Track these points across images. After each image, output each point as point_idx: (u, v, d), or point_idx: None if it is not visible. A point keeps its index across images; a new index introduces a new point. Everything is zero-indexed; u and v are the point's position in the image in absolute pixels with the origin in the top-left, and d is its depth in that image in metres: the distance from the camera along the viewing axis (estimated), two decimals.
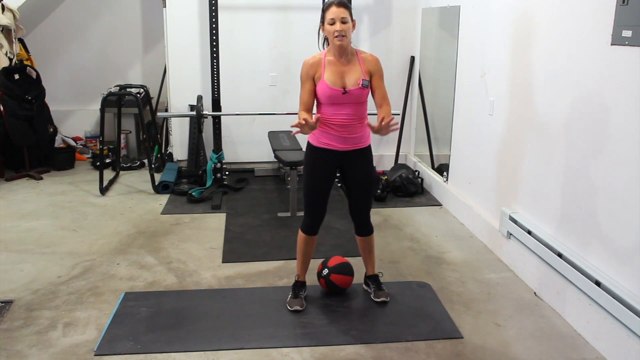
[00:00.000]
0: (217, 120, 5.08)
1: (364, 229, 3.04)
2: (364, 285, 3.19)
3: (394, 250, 3.77)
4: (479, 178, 4.04)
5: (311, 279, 3.19)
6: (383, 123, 2.58)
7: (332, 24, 2.67)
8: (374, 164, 5.80)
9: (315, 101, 2.83)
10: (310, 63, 2.78)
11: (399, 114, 5.45)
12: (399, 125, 2.59)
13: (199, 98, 4.94)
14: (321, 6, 4.74)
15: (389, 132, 2.64)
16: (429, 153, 5.27)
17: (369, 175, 2.93)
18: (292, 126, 2.61)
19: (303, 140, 2.80)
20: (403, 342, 2.69)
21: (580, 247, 2.82)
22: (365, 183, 2.93)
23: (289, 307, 2.97)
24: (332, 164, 2.86)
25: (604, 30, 2.55)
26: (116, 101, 5.40)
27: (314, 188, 2.89)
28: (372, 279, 3.12)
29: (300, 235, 3.00)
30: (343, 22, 2.65)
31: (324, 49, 2.86)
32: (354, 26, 2.74)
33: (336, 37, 2.67)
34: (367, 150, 2.90)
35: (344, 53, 2.75)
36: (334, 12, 2.66)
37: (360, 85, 2.72)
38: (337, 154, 2.83)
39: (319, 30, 2.82)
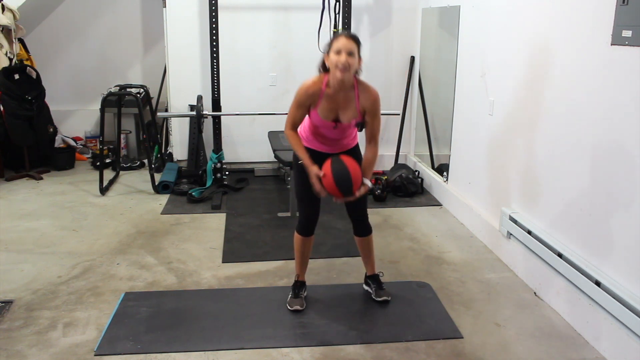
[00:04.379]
0: (217, 120, 5.08)
1: (363, 229, 3.03)
2: (364, 286, 3.19)
3: (394, 250, 3.77)
4: (479, 178, 4.04)
5: (311, 279, 3.19)
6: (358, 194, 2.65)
7: (338, 54, 2.54)
8: (377, 165, 5.81)
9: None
10: (308, 93, 2.66)
11: (398, 114, 5.46)
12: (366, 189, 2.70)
13: (199, 98, 4.94)
14: (320, 6, 4.79)
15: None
16: (429, 153, 5.27)
17: None
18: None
19: None
20: (403, 342, 2.69)
21: (580, 247, 2.82)
22: None
23: (289, 307, 2.97)
24: (321, 163, 2.79)
25: (604, 30, 2.55)
26: (116, 101, 5.40)
27: (305, 188, 2.85)
28: (373, 279, 3.12)
29: (296, 236, 3.00)
30: (350, 54, 2.53)
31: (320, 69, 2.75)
32: (359, 63, 2.62)
33: (339, 68, 2.52)
34: (355, 149, 2.90)
35: (343, 87, 2.64)
36: (342, 43, 2.53)
37: (353, 125, 2.73)
38: (326, 155, 2.79)
39: (323, 58, 2.69)
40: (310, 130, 2.84)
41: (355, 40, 2.59)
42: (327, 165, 2.63)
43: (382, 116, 4.78)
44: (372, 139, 2.77)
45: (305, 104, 2.71)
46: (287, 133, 2.78)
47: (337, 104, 2.68)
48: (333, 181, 2.59)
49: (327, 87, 2.66)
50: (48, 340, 2.70)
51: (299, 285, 3.05)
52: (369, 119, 2.73)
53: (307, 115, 2.79)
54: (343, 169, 2.61)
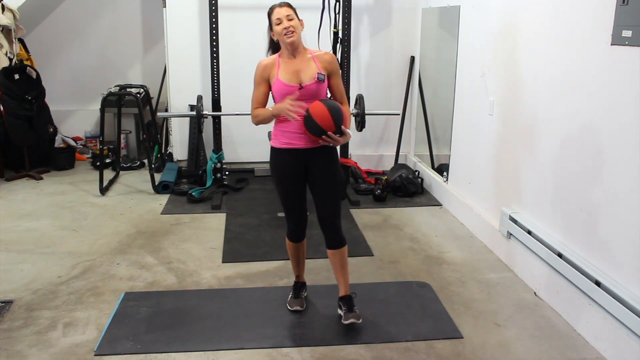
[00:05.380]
0: (217, 120, 5.08)
1: (335, 239, 2.80)
2: (338, 310, 2.88)
3: (394, 250, 3.77)
4: (479, 178, 4.04)
5: (311, 279, 3.19)
6: (341, 139, 2.66)
7: (279, 24, 2.66)
8: (377, 165, 5.81)
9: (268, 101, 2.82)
10: (264, 65, 2.75)
11: (398, 114, 5.45)
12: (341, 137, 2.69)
13: (199, 98, 4.94)
14: (320, 6, 4.78)
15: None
16: (429, 153, 5.26)
17: (333, 176, 2.77)
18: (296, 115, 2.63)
19: None
20: (403, 342, 2.69)
21: (580, 247, 2.82)
22: (329, 185, 2.76)
23: (289, 307, 2.97)
24: (298, 163, 2.76)
25: (604, 30, 2.55)
26: (116, 101, 5.40)
27: (287, 192, 2.83)
28: (345, 301, 2.83)
29: (288, 243, 2.96)
30: (289, 19, 2.67)
31: (269, 54, 2.83)
32: (301, 25, 2.73)
33: (285, 34, 2.65)
34: (332, 149, 2.78)
35: (297, 52, 2.73)
36: (278, 12, 2.68)
37: (316, 79, 2.68)
38: (300, 152, 2.73)
39: (269, 36, 2.79)
40: (280, 119, 2.74)
41: (288, 5, 2.74)
42: (316, 101, 2.66)
43: (382, 116, 4.82)
44: (342, 100, 2.84)
45: (263, 77, 2.75)
46: (253, 115, 2.78)
47: (296, 67, 2.72)
48: (326, 109, 2.61)
49: (280, 57, 2.75)
50: (48, 340, 2.70)
51: (299, 285, 3.05)
52: (333, 81, 2.80)
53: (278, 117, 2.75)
54: (332, 101, 2.72)
